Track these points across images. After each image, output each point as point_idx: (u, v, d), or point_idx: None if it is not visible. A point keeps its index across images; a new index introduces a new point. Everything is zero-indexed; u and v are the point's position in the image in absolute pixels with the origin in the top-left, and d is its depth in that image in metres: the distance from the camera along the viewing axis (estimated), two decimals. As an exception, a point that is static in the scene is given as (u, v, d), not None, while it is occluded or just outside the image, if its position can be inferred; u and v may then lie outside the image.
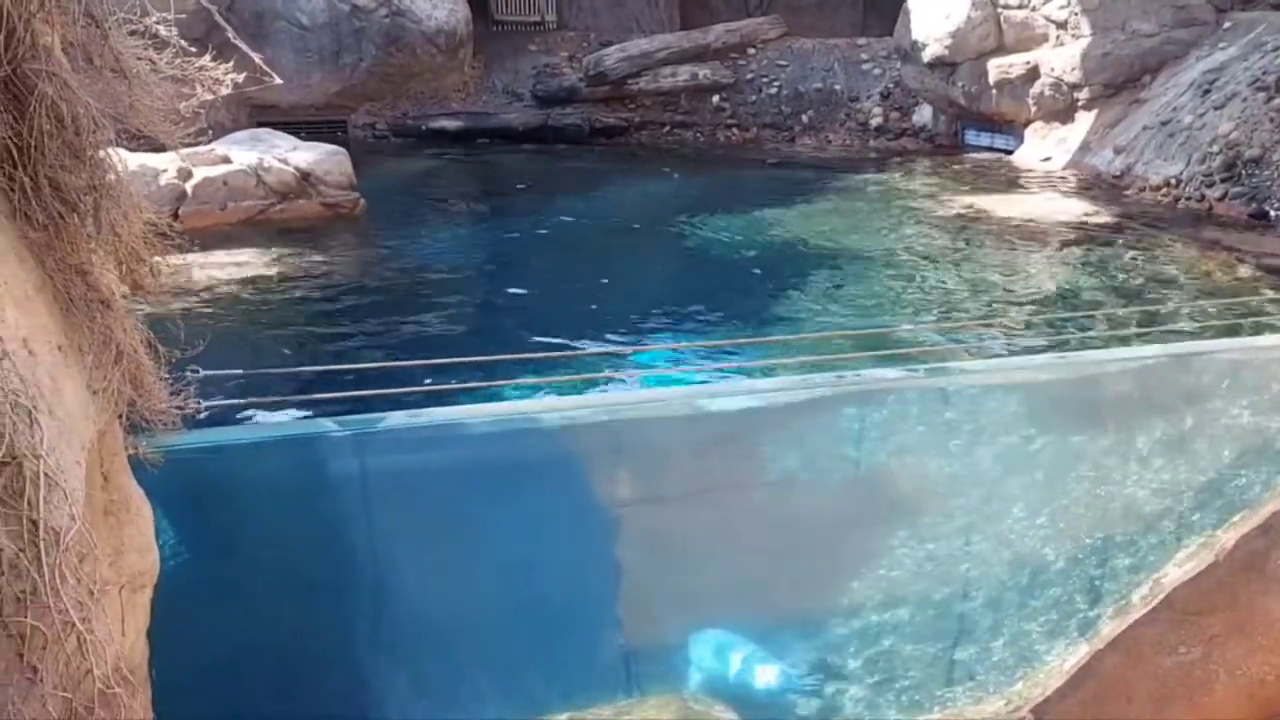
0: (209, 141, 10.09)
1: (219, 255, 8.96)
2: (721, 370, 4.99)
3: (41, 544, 1.52)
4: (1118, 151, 12.78)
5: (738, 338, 7.31)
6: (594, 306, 8.43)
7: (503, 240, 11.17)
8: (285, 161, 10.69)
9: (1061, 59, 13.94)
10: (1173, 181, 11.58)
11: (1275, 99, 11.11)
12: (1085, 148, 13.53)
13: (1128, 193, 12.03)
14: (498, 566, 3.49)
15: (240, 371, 3.43)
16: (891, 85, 16.97)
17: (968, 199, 12.29)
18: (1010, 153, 14.72)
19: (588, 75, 17.09)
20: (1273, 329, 4.63)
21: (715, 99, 17.36)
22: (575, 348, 6.99)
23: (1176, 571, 3.27)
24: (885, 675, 3.64)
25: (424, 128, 16.40)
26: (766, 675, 3.60)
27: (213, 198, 10.03)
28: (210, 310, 7.66)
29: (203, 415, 2.81)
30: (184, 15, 2.75)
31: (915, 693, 3.57)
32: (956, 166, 14.61)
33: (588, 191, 13.28)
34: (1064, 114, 14.13)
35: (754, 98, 17.34)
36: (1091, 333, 5.66)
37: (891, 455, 3.96)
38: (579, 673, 3.66)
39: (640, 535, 3.68)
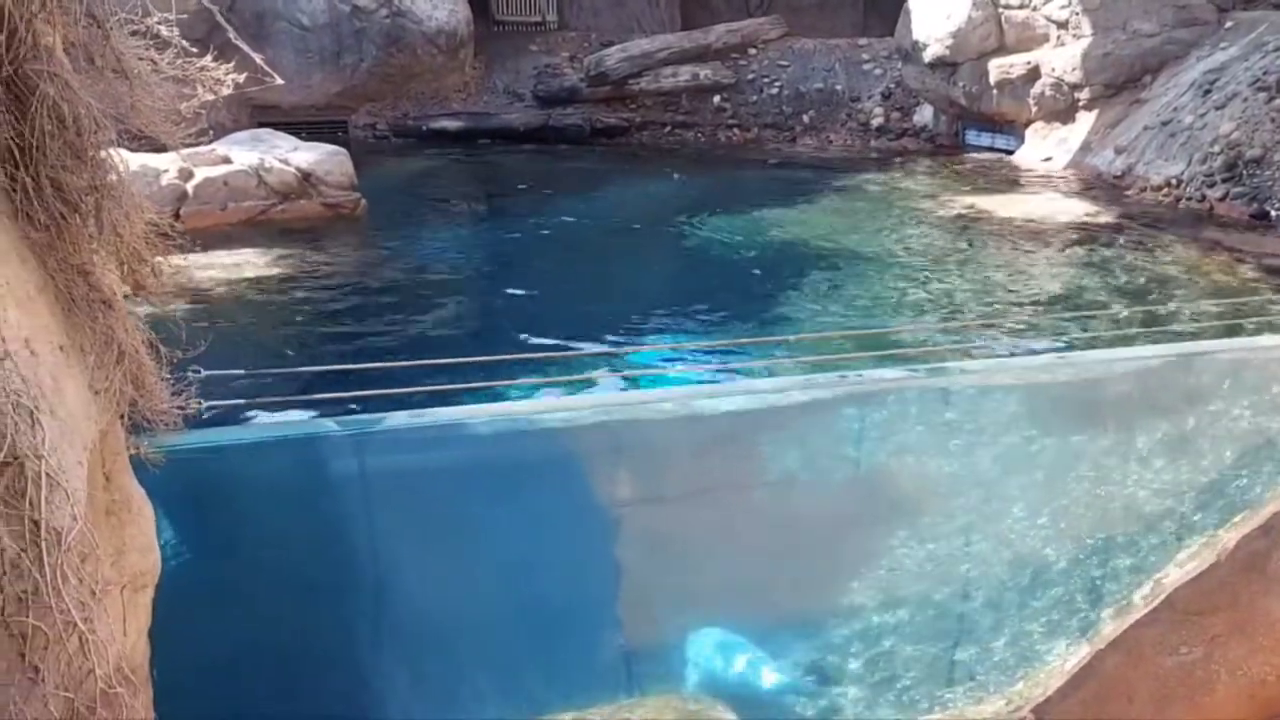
0: (210, 142, 10.10)
1: (220, 255, 8.96)
2: (722, 370, 5.00)
3: (43, 544, 1.52)
4: (1119, 152, 12.78)
5: (738, 338, 7.31)
6: (594, 307, 8.43)
7: (503, 240, 11.17)
8: (286, 162, 10.70)
9: (1062, 59, 13.93)
10: (1174, 182, 11.57)
11: (1276, 99, 11.11)
12: (1086, 148, 13.53)
13: (1129, 193, 12.03)
14: (498, 566, 3.49)
15: (241, 372, 3.43)
16: (892, 85, 16.98)
17: (968, 199, 12.29)
18: (1011, 153, 14.72)
19: (589, 75, 17.09)
20: (1274, 329, 4.63)
21: (716, 99, 17.36)
22: (576, 348, 6.99)
23: (1178, 572, 3.26)
24: (885, 675, 3.64)
25: (425, 128, 16.41)
26: (766, 675, 3.60)
27: (214, 198, 10.04)
28: (211, 310, 7.65)
29: (204, 415, 2.81)
30: (185, 16, 2.75)
31: (915, 693, 3.57)
32: (957, 167, 14.61)
33: (588, 192, 13.28)
34: (1065, 114, 14.12)
35: (755, 98, 17.35)
36: (1092, 333, 5.66)
37: (892, 455, 3.96)
38: (579, 673, 3.67)
39: (640, 535, 3.68)
